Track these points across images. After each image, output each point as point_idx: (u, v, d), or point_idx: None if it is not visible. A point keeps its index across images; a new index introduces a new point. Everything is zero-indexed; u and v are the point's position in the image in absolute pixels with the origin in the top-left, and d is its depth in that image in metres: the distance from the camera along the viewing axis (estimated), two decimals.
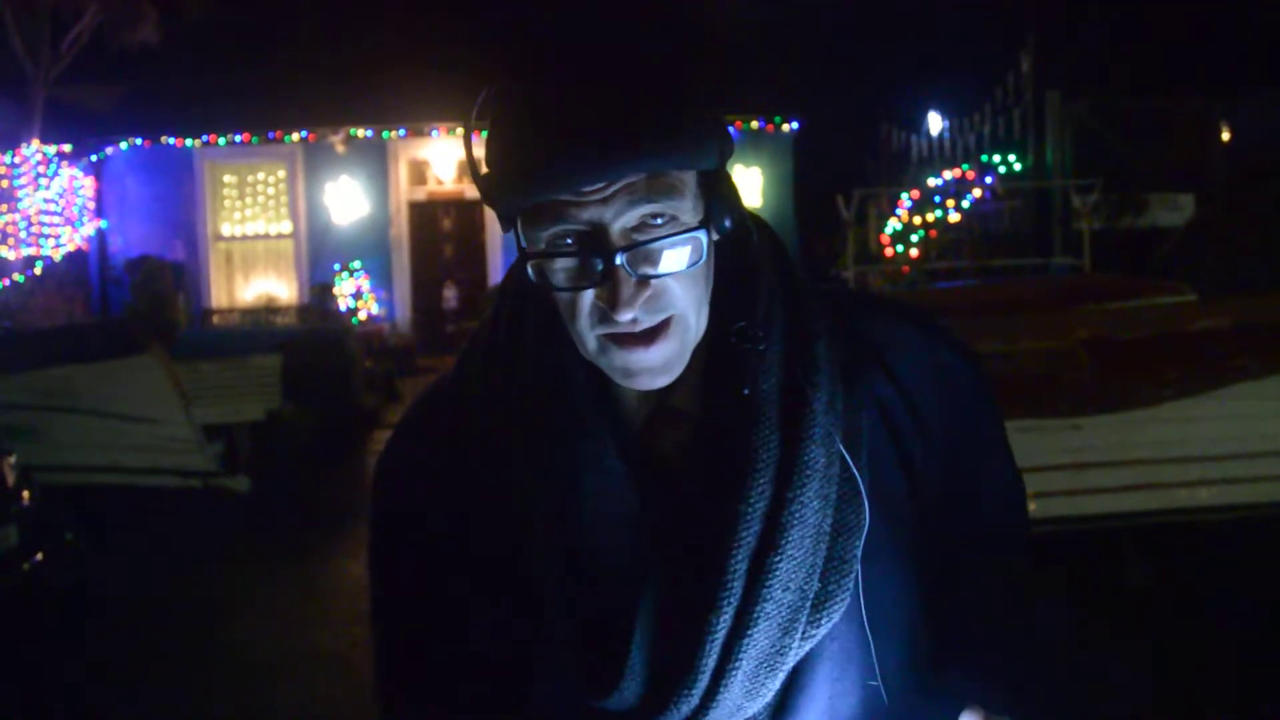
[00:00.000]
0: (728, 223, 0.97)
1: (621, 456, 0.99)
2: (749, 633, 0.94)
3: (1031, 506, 1.13)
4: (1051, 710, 1.04)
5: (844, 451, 0.98)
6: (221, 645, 5.46)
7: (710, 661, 0.94)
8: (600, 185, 0.90)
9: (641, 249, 0.92)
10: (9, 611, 5.59)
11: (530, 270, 0.95)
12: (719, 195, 0.97)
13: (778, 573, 0.94)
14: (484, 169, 0.98)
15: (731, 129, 1.07)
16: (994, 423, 1.10)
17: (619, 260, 0.91)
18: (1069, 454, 5.27)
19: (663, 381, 0.97)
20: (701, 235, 0.94)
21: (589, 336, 0.96)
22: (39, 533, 5.77)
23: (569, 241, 0.93)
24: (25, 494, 5.79)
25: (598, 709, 0.98)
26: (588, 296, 0.94)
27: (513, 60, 0.96)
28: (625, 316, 0.92)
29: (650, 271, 0.93)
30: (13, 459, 5.86)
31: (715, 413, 0.99)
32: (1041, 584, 1.11)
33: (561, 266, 0.94)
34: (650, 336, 0.94)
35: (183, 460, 7.99)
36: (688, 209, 0.94)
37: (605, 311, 0.93)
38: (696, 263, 0.94)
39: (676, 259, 0.93)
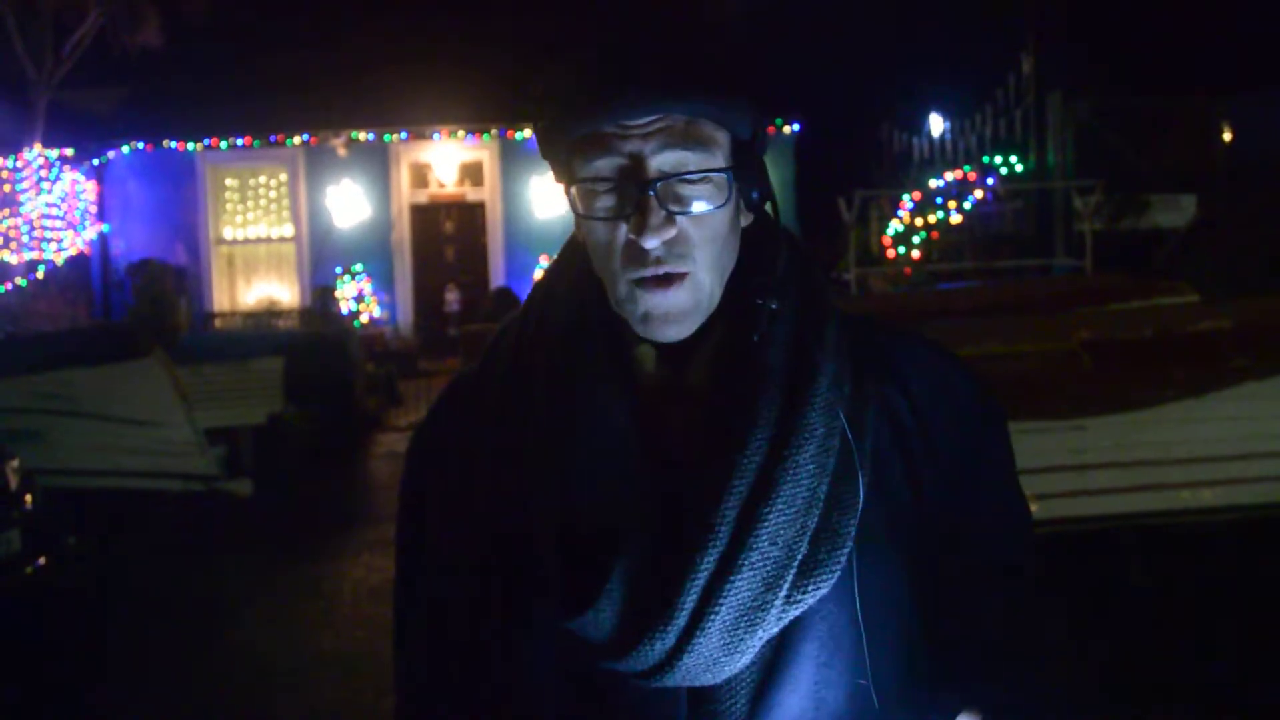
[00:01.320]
0: (755, 195, 1.05)
1: (628, 416, 1.04)
2: (731, 579, 0.95)
3: (1034, 508, 1.13)
4: None
5: (845, 427, 1.01)
6: (224, 648, 5.46)
7: (690, 601, 0.96)
8: (643, 120, 0.99)
9: (671, 183, 1.00)
10: (12, 615, 5.60)
11: (575, 196, 1.03)
12: (749, 163, 1.04)
13: (766, 523, 0.96)
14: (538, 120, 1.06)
15: None
16: (1003, 452, 1.11)
17: (652, 191, 0.99)
18: (1071, 455, 5.27)
19: (675, 333, 1.02)
20: (727, 178, 1.02)
21: (620, 280, 1.02)
22: (42, 536, 5.77)
23: (610, 177, 1.01)
24: (28, 498, 5.79)
25: (578, 648, 0.99)
26: (620, 235, 1.01)
27: (565, 9, 1.07)
28: (650, 243, 0.99)
29: (677, 208, 1.00)
30: (15, 463, 5.87)
31: (723, 387, 1.03)
32: (1047, 610, 1.10)
33: (603, 198, 1.02)
34: (668, 281, 1.01)
35: (185, 464, 8.00)
36: (719, 165, 1.02)
37: (634, 248, 1.00)
38: (721, 205, 1.01)
39: (703, 200, 1.01)
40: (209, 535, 7.63)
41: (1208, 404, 5.29)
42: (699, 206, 1.01)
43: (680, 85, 0.99)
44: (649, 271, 1.01)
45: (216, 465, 8.20)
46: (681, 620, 0.96)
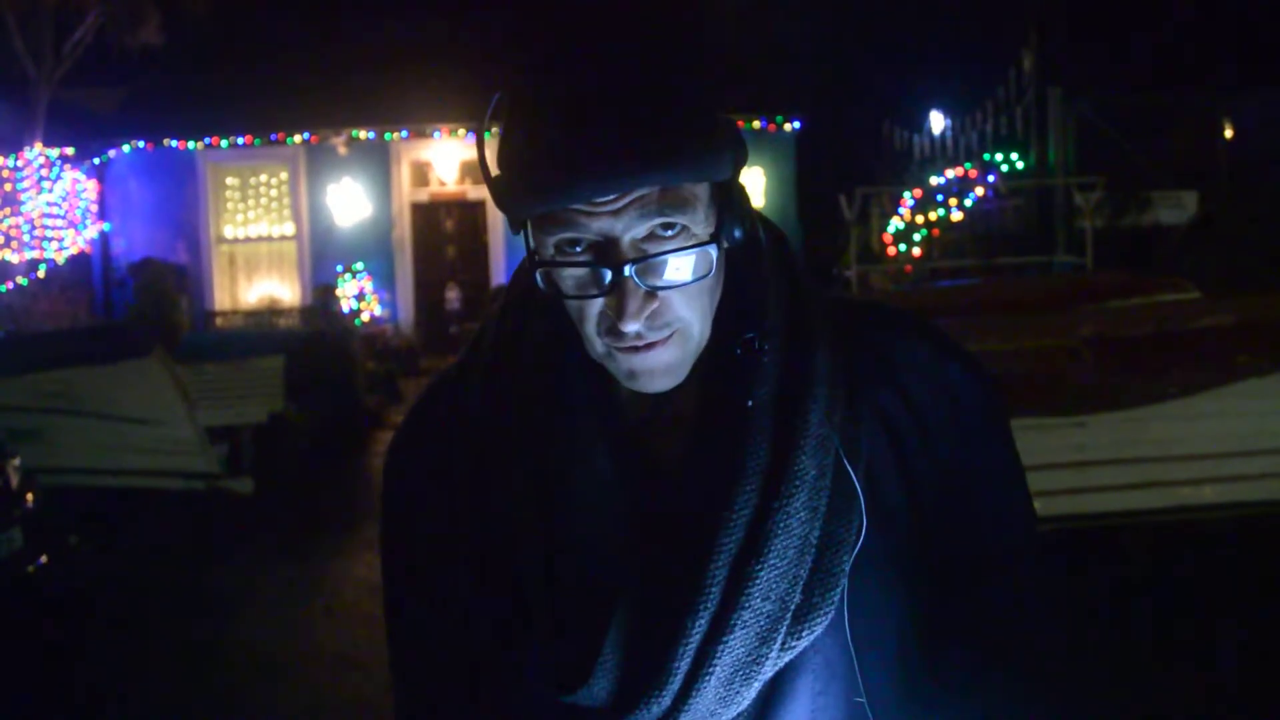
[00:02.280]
0: (738, 234, 0.96)
1: (613, 456, 1.00)
2: (725, 639, 0.93)
3: (1035, 505, 1.11)
4: None
5: (844, 460, 0.97)
6: (225, 646, 5.46)
7: (683, 665, 0.93)
8: (612, 197, 0.90)
9: (650, 261, 0.92)
10: (13, 613, 5.60)
11: (539, 277, 0.95)
12: (732, 206, 0.96)
13: (758, 581, 0.93)
14: (495, 171, 0.97)
15: None
16: (1004, 445, 1.07)
17: (628, 272, 0.91)
18: (1073, 452, 5.27)
19: (665, 385, 0.97)
20: (712, 250, 0.93)
21: (598, 343, 0.96)
22: (43, 535, 5.77)
23: (578, 249, 0.93)
24: (29, 496, 5.80)
25: (571, 707, 0.98)
26: (595, 304, 0.94)
27: (524, 65, 0.94)
28: (630, 328, 0.92)
29: (658, 283, 0.92)
30: (16, 461, 5.87)
31: (711, 418, 0.99)
32: (1053, 607, 1.08)
33: (570, 275, 0.94)
34: (655, 345, 0.95)
35: (186, 462, 8.00)
36: (700, 220, 0.93)
37: (612, 322, 0.93)
38: (705, 275, 0.94)
39: (685, 271, 0.93)
40: (210, 533, 7.63)
41: (1209, 401, 5.29)
42: (681, 276, 0.93)
43: (657, 159, 0.88)
44: (629, 344, 0.94)
45: (217, 464, 8.20)
46: (676, 684, 0.94)
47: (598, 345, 0.96)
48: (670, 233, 0.92)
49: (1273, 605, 5.01)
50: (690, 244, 0.92)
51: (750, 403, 0.96)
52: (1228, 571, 5.43)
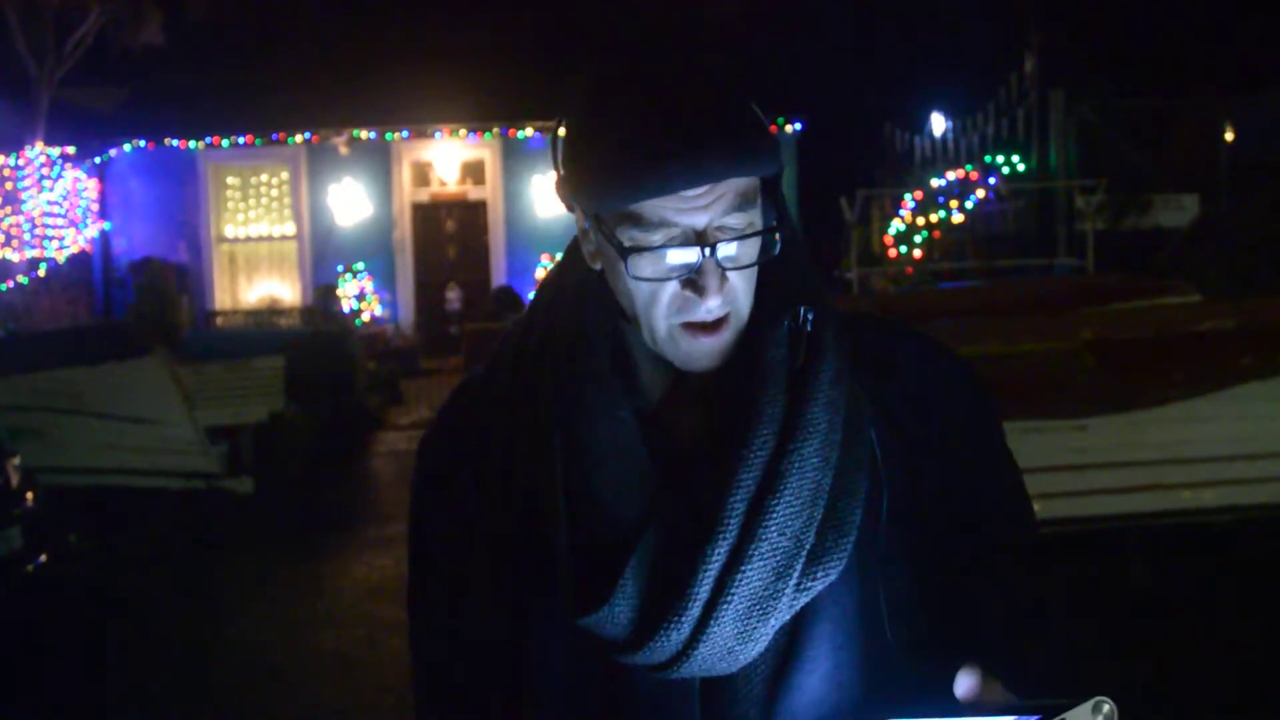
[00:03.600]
0: (785, 225, 1.07)
1: (636, 416, 1.06)
2: (743, 568, 0.98)
3: (1036, 507, 1.15)
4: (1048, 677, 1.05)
5: (846, 422, 1.03)
6: (225, 646, 5.46)
7: (703, 591, 0.98)
8: (703, 190, 0.99)
9: (730, 243, 1.01)
10: (12, 612, 5.60)
11: (627, 264, 1.02)
12: (781, 199, 1.07)
13: (775, 515, 0.98)
14: (566, 168, 1.05)
15: None
16: (996, 431, 1.15)
17: (713, 254, 1.00)
18: (1073, 454, 5.27)
19: (714, 364, 1.05)
20: (777, 235, 1.04)
21: (662, 325, 1.04)
22: (43, 534, 5.77)
23: (660, 238, 1.01)
24: (29, 495, 5.79)
25: (591, 642, 1.01)
26: (670, 287, 1.02)
27: (607, 67, 1.04)
28: (714, 302, 1.01)
29: (731, 265, 1.02)
30: (16, 460, 5.87)
31: (729, 388, 1.05)
32: (1048, 595, 1.12)
33: (651, 259, 1.02)
34: (717, 325, 1.03)
35: (186, 462, 8.00)
36: (758, 210, 1.04)
37: (688, 301, 1.02)
38: (764, 258, 1.04)
39: (752, 254, 1.03)
40: (210, 533, 7.63)
41: (1210, 404, 5.29)
42: (748, 258, 1.03)
43: (743, 155, 0.99)
44: (700, 319, 1.03)
45: (217, 463, 8.20)
46: (695, 610, 0.98)
47: (661, 330, 1.04)
48: (739, 221, 1.01)
49: (1275, 608, 5.01)
50: (760, 230, 1.03)
51: (798, 365, 1.04)
52: (1229, 575, 5.42)
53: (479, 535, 1.10)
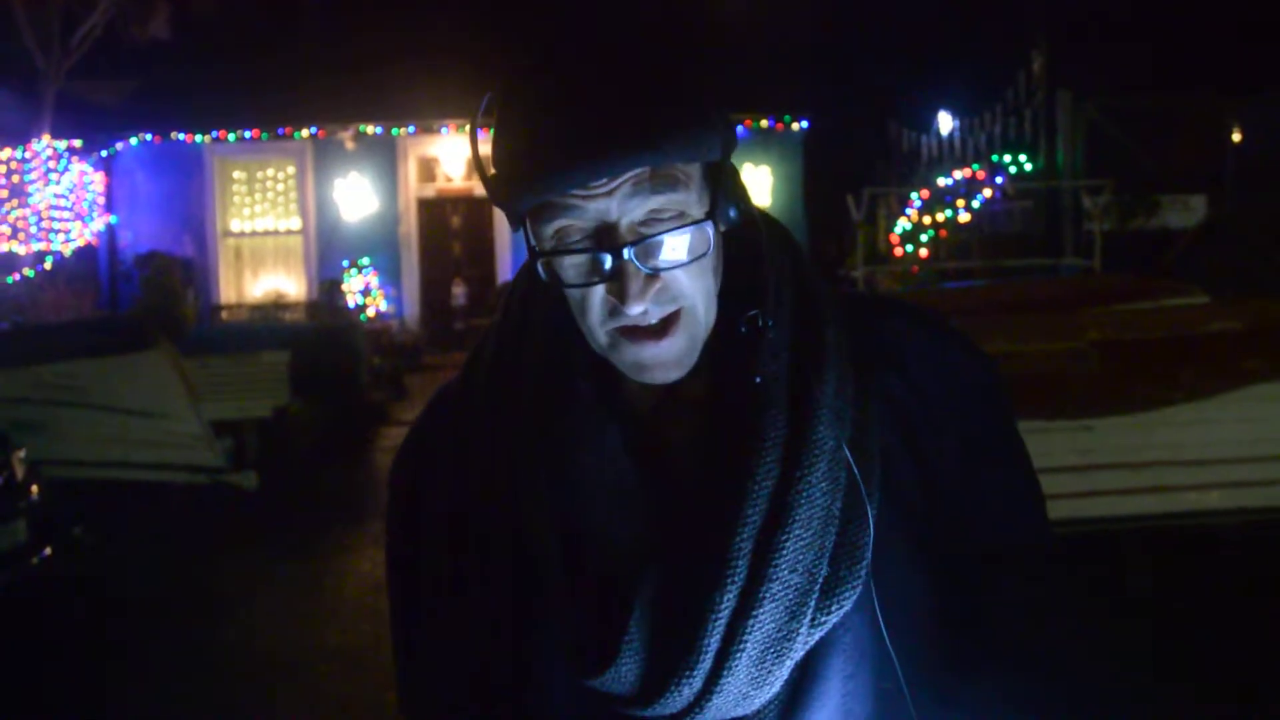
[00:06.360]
0: (733, 213, 0.97)
1: (623, 439, 0.99)
2: (754, 614, 0.91)
3: None
4: None
5: (856, 438, 0.97)
6: (228, 640, 5.46)
7: (713, 642, 0.92)
8: (605, 180, 0.91)
9: (649, 242, 0.93)
10: (17, 606, 5.61)
11: (540, 268, 0.96)
12: (723, 187, 0.97)
13: (785, 552, 0.92)
14: (491, 169, 0.99)
15: (741, 128, 1.08)
16: (1008, 425, 1.08)
17: (627, 255, 0.92)
18: (1078, 455, 5.25)
19: (675, 375, 0.97)
20: (708, 227, 0.95)
21: (599, 331, 0.96)
22: (47, 528, 5.78)
23: (577, 238, 0.94)
24: (33, 489, 5.80)
25: (597, 693, 0.96)
26: (598, 292, 0.95)
27: (514, 59, 0.97)
28: (635, 309, 0.93)
29: (658, 264, 0.93)
30: (21, 453, 5.87)
31: (723, 400, 0.99)
32: (1071, 591, 1.07)
33: (571, 263, 0.95)
34: (662, 329, 0.95)
35: (191, 456, 8.00)
36: (693, 202, 0.94)
37: (615, 305, 0.94)
38: (703, 254, 0.95)
39: (683, 250, 0.94)
40: (214, 528, 7.63)
41: (1216, 406, 5.27)
42: (678, 256, 0.94)
43: (646, 140, 0.89)
44: (635, 323, 0.95)
45: (222, 458, 8.20)
46: (707, 663, 0.92)
47: (600, 336, 0.97)
48: (666, 215, 0.93)
49: (1278, 611, 4.99)
50: (686, 222, 0.94)
51: (759, 379, 0.96)
52: (1234, 577, 5.40)
53: (465, 571, 1.02)
